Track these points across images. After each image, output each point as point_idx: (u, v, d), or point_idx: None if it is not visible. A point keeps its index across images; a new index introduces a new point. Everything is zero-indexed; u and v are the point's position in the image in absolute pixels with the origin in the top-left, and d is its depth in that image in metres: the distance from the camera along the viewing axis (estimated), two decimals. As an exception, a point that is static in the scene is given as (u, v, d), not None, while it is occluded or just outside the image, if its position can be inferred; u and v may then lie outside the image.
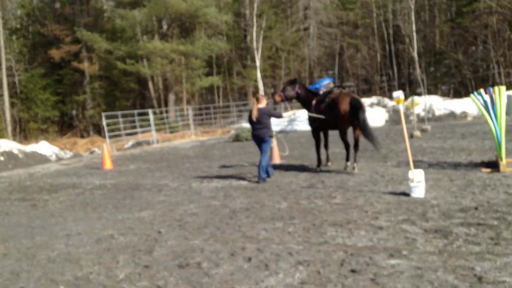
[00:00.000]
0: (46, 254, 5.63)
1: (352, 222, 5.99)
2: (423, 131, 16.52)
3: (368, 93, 37.87)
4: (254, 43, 35.12)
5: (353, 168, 9.67)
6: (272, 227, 6.05)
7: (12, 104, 36.48)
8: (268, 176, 9.68)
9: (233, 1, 40.17)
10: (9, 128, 34.07)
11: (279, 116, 9.57)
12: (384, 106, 23.65)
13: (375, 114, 23.07)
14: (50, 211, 8.23)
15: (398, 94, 7.62)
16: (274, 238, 5.58)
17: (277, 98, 10.42)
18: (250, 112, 9.42)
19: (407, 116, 21.11)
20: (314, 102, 10.25)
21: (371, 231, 5.55)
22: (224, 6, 38.65)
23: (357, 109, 9.24)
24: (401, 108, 7.78)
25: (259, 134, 9.29)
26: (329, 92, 10.11)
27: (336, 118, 9.57)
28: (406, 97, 25.60)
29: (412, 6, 33.62)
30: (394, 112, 22.58)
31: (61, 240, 6.22)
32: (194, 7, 31.98)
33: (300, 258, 4.82)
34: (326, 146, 11.06)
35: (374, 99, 24.92)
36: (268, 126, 9.30)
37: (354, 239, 5.31)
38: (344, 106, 9.38)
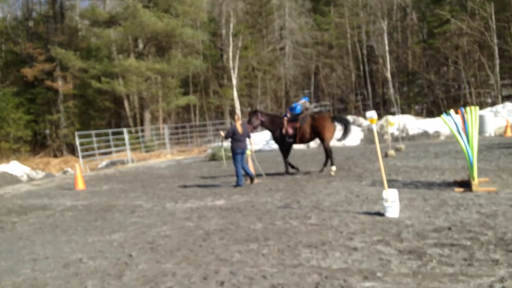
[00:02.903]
0: (12, 280, 5.40)
1: (327, 243, 5.93)
2: (397, 150, 16.71)
3: (344, 112, 38.37)
4: (231, 62, 35.34)
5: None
6: (247, 249, 5.96)
7: (-18, 123, 35.60)
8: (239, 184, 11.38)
9: (210, 21, 40.40)
10: (-21, 148, 33.21)
11: (249, 136, 11.74)
12: (359, 126, 23.89)
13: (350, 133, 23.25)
14: (18, 234, 7.95)
15: (371, 114, 7.68)
16: (248, 260, 5.48)
17: (238, 125, 11.89)
18: (235, 127, 11.30)
19: (381, 135, 21.37)
20: (285, 121, 12.54)
21: (346, 252, 5.51)
22: (201, 25, 38.81)
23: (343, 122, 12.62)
24: (374, 127, 7.84)
25: (243, 146, 11.32)
26: (298, 114, 12.60)
27: (320, 132, 12.29)
28: (380, 117, 26.01)
29: (385, 28, 34.47)
30: (369, 132, 22.84)
31: (27, 264, 5.99)
32: (170, 27, 32.01)
33: (274, 281, 4.73)
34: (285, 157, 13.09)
35: (349, 118, 25.17)
36: (245, 140, 11.41)
37: (329, 260, 5.26)
38: (328, 122, 12.36)
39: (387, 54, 34.50)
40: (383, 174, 7.50)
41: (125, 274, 5.31)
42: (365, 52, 39.74)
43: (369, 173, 12.04)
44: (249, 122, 12.65)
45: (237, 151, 11.27)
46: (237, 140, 11.26)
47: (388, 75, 34.62)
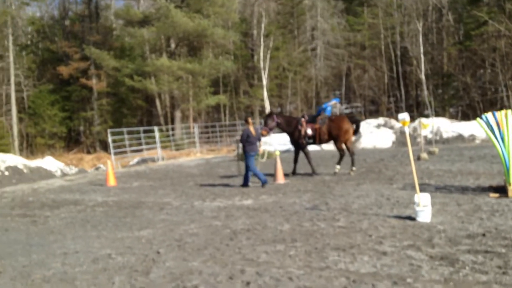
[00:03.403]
0: (42, 273, 5.51)
1: (355, 246, 5.82)
2: (430, 153, 16.33)
3: (375, 114, 37.78)
4: (261, 62, 35.33)
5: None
6: (273, 249, 5.90)
7: (20, 119, 36.71)
8: (247, 184, 11.64)
9: (241, 21, 40.50)
10: (16, 143, 34.24)
11: (260, 138, 11.83)
12: (391, 128, 23.51)
13: (382, 136, 22.93)
14: (50, 228, 8.12)
15: (404, 116, 7.51)
16: (274, 261, 5.43)
17: (264, 132, 12.64)
18: (248, 131, 11.45)
19: (414, 138, 20.95)
20: (303, 122, 12.83)
21: (375, 256, 5.39)
22: (232, 26, 38.96)
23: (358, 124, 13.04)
24: (407, 130, 7.66)
25: (255, 149, 11.51)
26: (317, 115, 13.05)
27: (337, 134, 12.66)
28: (413, 119, 25.50)
29: (420, 29, 33.79)
30: (401, 134, 22.43)
31: (58, 258, 6.10)
32: (202, 27, 32.24)
33: (300, 283, 4.66)
34: (296, 160, 13.45)
35: (381, 120, 24.81)
36: (258, 142, 11.61)
37: (357, 264, 5.15)
38: (346, 123, 12.68)
39: (422, 56, 33.78)
40: (415, 178, 7.32)
41: (152, 271, 5.34)
42: (398, 53, 39.03)
43: (401, 176, 11.80)
44: (265, 124, 12.98)
45: (251, 153, 11.49)
46: (251, 143, 11.46)
47: (422, 76, 33.90)
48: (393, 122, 24.09)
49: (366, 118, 32.96)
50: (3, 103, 36.60)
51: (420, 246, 5.67)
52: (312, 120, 12.94)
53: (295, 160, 13.36)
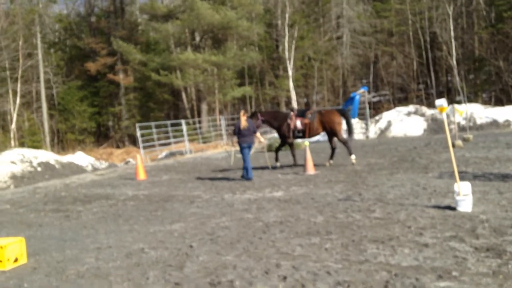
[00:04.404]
0: (76, 268, 5.48)
1: (394, 238, 5.60)
2: (465, 140, 15.84)
3: (405, 101, 37.01)
4: (286, 53, 34.99)
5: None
6: (308, 242, 5.74)
7: (51, 116, 37.42)
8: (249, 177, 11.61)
9: (265, 12, 40.15)
10: (48, 139, 34.93)
11: (256, 131, 11.95)
12: (422, 115, 22.94)
13: (413, 123, 22.41)
14: (83, 223, 8.14)
15: (441, 102, 7.18)
16: (310, 255, 5.26)
17: (243, 120, 12.24)
18: (239, 123, 11.65)
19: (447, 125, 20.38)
20: (292, 115, 13.03)
21: (416, 248, 5.16)
22: (256, 17, 38.68)
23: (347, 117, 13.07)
24: (444, 116, 7.34)
25: (248, 141, 11.65)
26: (306, 109, 13.37)
27: (331, 127, 12.87)
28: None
29: (450, 13, 32.82)
30: (433, 121, 21.86)
31: (91, 253, 6.08)
32: (227, 19, 32.10)
33: (339, 278, 4.49)
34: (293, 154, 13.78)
35: (411, 107, 24.25)
36: (252, 134, 11.71)
37: (398, 257, 4.94)
38: (337, 116, 12.93)
39: (452, 40, 32.82)
40: (455, 166, 7.01)
41: (186, 266, 5.25)
42: (428, 38, 38.05)
43: (436, 164, 11.45)
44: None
45: (243, 145, 11.65)
46: (242, 135, 11.62)
47: (453, 62, 32.97)
48: (424, 109, 23.50)
49: (395, 106, 32.32)
50: (33, 100, 37.36)
51: (464, 237, 5.41)
52: (301, 115, 13.21)
53: (293, 154, 13.71)
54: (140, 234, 6.96)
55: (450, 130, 18.94)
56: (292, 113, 13.26)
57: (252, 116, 13.41)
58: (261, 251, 5.55)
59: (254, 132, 11.90)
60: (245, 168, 11.68)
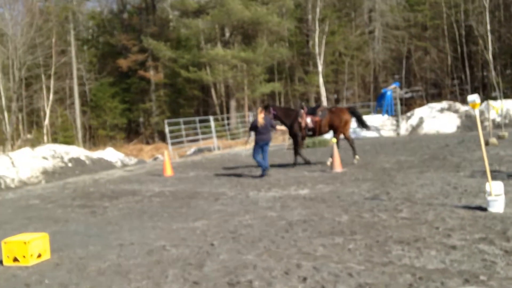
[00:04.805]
0: (97, 265, 5.50)
1: (420, 239, 5.40)
2: (499, 138, 15.29)
3: (438, 97, 36.08)
4: (317, 48, 34.60)
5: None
6: (331, 242, 5.59)
7: (83, 112, 38.20)
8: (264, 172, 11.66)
9: (296, 7, 39.81)
10: (80, 135, 35.69)
11: (275, 127, 12.19)
12: (456, 111, 22.30)
13: (446, 120, 21.81)
14: (108, 219, 8.21)
15: (474, 98, 6.88)
16: (332, 255, 5.13)
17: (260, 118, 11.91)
18: (256, 120, 11.62)
19: (481, 122, 19.74)
20: (303, 113, 12.79)
21: (443, 251, 4.96)
22: (286, 12, 38.41)
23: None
24: (477, 112, 7.05)
25: (265, 138, 11.56)
26: (317, 106, 13.31)
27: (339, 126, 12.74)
28: (480, 102, 24.07)
29: (487, 5, 31.74)
30: (467, 118, 21.22)
31: (114, 250, 6.10)
32: (257, 15, 31.98)
33: (361, 280, 4.34)
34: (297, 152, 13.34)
35: (444, 104, 23.59)
36: (269, 132, 11.73)
37: (423, 259, 4.75)
38: (347, 115, 12.81)
39: (489, 34, 31.73)
40: (486, 164, 6.72)
41: (206, 264, 5.20)
42: (463, 32, 36.93)
43: (468, 162, 11.07)
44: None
45: (259, 143, 11.55)
46: (259, 133, 11.52)
47: (490, 56, 31.86)
48: (457, 105, 22.84)
49: (428, 102, 31.56)
50: (66, 96, 38.22)
51: (494, 240, 5.18)
52: (311, 112, 12.94)
53: (297, 150, 13.27)
54: (163, 231, 6.96)
55: (485, 127, 18.33)
56: (302, 110, 13.00)
57: (265, 109, 13.05)
58: (282, 251, 5.45)
59: (273, 128, 11.96)
60: (259, 164, 11.72)
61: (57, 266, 5.60)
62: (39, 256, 5.76)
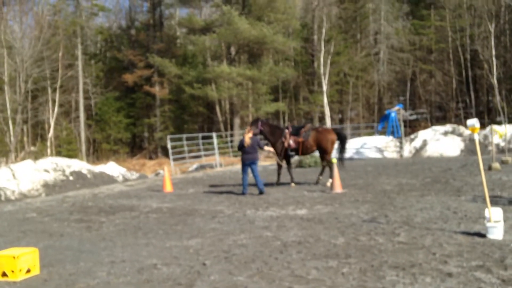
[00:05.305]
0: (87, 282, 5.41)
1: (416, 265, 5.29)
2: (503, 162, 15.14)
3: (443, 120, 35.98)
4: (322, 68, 34.73)
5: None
6: (325, 265, 5.49)
7: (88, 126, 38.32)
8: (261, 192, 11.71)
9: (302, 27, 40.11)
10: (84, 149, 35.73)
11: (262, 147, 12.31)
12: (460, 135, 22.17)
13: (450, 143, 21.69)
14: (103, 235, 8.12)
15: (473, 122, 6.83)
16: (325, 279, 5.02)
17: (247, 138, 12.02)
18: (243, 139, 11.81)
19: (485, 146, 19.63)
20: (287, 134, 12.90)
21: (438, 278, 4.84)
22: (293, 32, 38.69)
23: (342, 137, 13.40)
24: (476, 137, 6.97)
25: (251, 158, 11.70)
26: (301, 127, 13.31)
27: (324, 146, 12.92)
28: (484, 126, 23.92)
29: (492, 30, 31.87)
30: (471, 142, 21.09)
31: (104, 267, 6.00)
32: (263, 34, 32.21)
33: (352, 306, 4.22)
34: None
35: (448, 127, 23.48)
36: (256, 151, 11.82)
37: (418, 286, 4.65)
38: (332, 135, 13.05)
39: (494, 59, 31.78)
40: (486, 189, 6.62)
41: (195, 284, 5.10)
42: (468, 56, 36.99)
43: (470, 187, 10.94)
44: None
45: (245, 162, 11.78)
46: (245, 152, 11.75)
47: (494, 81, 31.86)
48: (461, 129, 22.73)
49: (432, 124, 31.47)
50: (72, 109, 38.38)
51: (491, 268, 5.06)
52: (295, 133, 13.11)
53: (279, 173, 13.42)
54: (156, 248, 6.87)
55: (488, 152, 18.20)
56: (287, 131, 13.13)
57: (254, 122, 13.43)
58: (275, 273, 5.34)
59: (261, 148, 12.17)
60: (243, 183, 11.95)
61: (45, 282, 5.50)
62: (28, 271, 5.68)
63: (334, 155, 13.28)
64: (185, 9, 45.91)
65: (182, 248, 6.80)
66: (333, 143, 13.10)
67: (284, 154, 13.19)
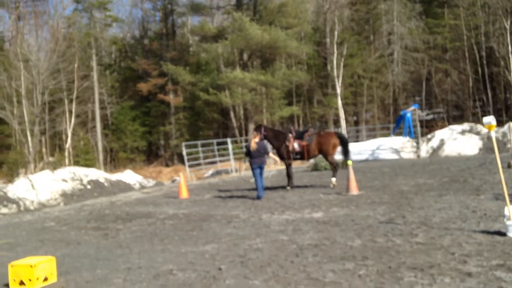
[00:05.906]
0: (103, 289, 5.43)
1: (435, 266, 5.19)
2: (522, 160, 14.83)
3: (460, 119, 35.50)
4: (335, 71, 34.59)
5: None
6: (342, 268, 5.42)
7: (104, 135, 38.74)
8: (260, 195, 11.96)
9: (314, 30, 40.04)
10: (101, 158, 36.12)
11: (267, 153, 12.30)
12: (478, 133, 21.83)
13: (467, 142, 21.37)
14: (119, 242, 8.16)
15: (489, 119, 6.70)
16: (342, 282, 4.95)
17: (253, 143, 12.20)
18: (249, 145, 12.19)
19: (504, 144, 19.29)
20: (291, 137, 13.11)
21: (458, 278, 4.74)
22: (305, 36, 38.64)
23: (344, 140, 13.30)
24: (493, 134, 6.84)
25: (258, 162, 11.98)
26: (305, 131, 13.39)
27: (326, 149, 12.98)
28: (502, 123, 23.53)
29: (507, 27, 31.41)
30: (489, 140, 20.74)
31: (120, 274, 6.02)
32: (275, 39, 32.26)
33: (369, 308, 4.15)
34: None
35: (466, 126, 23.14)
36: (263, 156, 12.07)
37: (437, 287, 4.55)
38: (334, 138, 13.09)
39: (510, 55, 31.32)
40: (505, 188, 6.48)
41: (211, 289, 5.07)
42: (484, 54, 36.49)
43: (489, 186, 10.74)
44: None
45: (253, 166, 12.06)
46: (252, 157, 12.04)
47: (511, 78, 31.37)
48: (479, 127, 22.37)
49: (449, 124, 31.07)
50: (88, 120, 38.89)
51: (511, 266, 4.93)
52: (299, 136, 13.25)
53: (289, 176, 13.44)
54: (171, 254, 6.87)
55: (507, 150, 17.88)
56: (290, 135, 13.27)
57: (257, 128, 13.62)
58: (290, 276, 5.29)
59: (266, 153, 12.23)
60: (257, 187, 12.06)
61: (61, 290, 5.54)
62: (46, 279, 5.72)
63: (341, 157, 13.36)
64: (197, 17, 46.30)
65: (198, 253, 6.79)
66: (334, 147, 13.17)
67: (288, 157, 13.30)
